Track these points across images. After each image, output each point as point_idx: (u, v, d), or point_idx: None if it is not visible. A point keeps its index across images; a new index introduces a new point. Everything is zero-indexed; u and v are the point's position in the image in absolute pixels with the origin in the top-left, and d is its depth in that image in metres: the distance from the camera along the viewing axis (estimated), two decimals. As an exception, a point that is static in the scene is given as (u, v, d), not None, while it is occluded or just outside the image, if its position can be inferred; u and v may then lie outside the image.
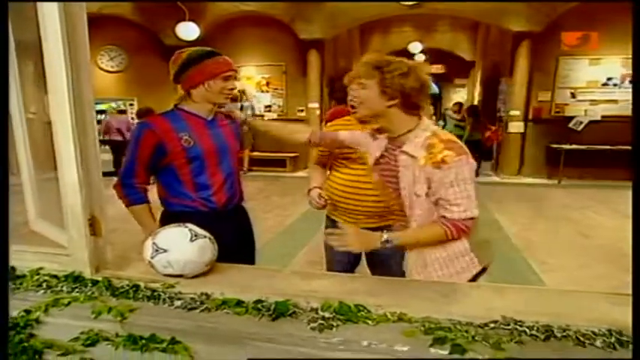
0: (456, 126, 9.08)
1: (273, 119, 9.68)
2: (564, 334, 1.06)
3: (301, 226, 5.34)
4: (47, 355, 1.24)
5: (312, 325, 1.12)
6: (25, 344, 1.24)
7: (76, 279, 1.39)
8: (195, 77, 1.78)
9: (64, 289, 1.34)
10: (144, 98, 9.73)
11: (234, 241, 1.85)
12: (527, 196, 7.32)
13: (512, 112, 8.69)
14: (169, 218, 1.74)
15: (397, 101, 1.51)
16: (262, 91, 9.90)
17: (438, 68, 15.24)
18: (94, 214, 1.43)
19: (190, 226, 1.45)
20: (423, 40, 13.21)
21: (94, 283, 1.37)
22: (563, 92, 8.46)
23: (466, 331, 1.08)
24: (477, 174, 9.63)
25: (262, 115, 9.84)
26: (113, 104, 9.41)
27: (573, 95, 8.44)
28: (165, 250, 1.38)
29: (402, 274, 1.83)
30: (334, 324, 1.12)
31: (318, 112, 9.58)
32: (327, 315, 1.15)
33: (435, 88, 18.04)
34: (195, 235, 1.41)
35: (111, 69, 10.42)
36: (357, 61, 1.61)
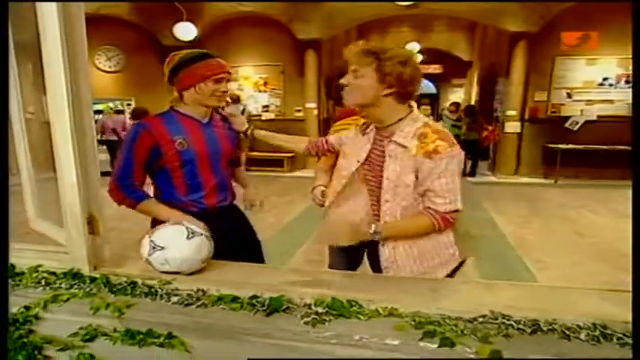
0: (453, 126, 9.11)
1: (271, 119, 9.72)
2: (550, 327, 1.09)
3: (299, 226, 5.36)
4: (46, 351, 1.27)
5: (306, 319, 1.15)
6: (25, 340, 1.26)
7: (75, 276, 1.41)
8: (187, 80, 1.78)
9: (63, 285, 1.37)
10: (141, 98, 9.76)
11: (230, 239, 1.85)
12: (523, 196, 7.36)
13: (509, 112, 8.75)
14: (157, 222, 1.72)
15: (394, 90, 1.48)
16: (260, 91, 9.92)
17: (435, 68, 15.31)
18: (92, 212, 1.45)
19: (187, 223, 1.47)
20: (421, 41, 13.27)
21: (92, 280, 1.39)
22: (560, 92, 8.52)
23: (455, 325, 1.10)
24: (474, 174, 9.69)
25: (260, 115, 9.86)
26: (111, 104, 9.43)
27: (569, 95, 8.50)
28: (162, 248, 1.40)
29: None
30: (327, 319, 1.15)
31: (315, 112, 9.62)
32: (320, 310, 1.17)
33: (432, 88, 18.11)
34: (192, 233, 1.44)
35: (108, 69, 10.44)
36: (348, 50, 1.55)
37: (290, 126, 9.12)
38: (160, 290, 1.31)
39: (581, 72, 8.37)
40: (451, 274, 1.65)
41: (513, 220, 5.75)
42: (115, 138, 8.58)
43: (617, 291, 1.28)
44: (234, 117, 2.09)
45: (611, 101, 8.31)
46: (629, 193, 1.12)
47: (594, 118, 8.41)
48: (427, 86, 18.10)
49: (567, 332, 1.07)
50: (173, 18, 9.15)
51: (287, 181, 8.64)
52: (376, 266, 2.22)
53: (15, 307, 1.29)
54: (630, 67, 8.02)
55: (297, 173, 9.52)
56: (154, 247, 1.41)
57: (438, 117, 13.01)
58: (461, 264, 1.66)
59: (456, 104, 10.14)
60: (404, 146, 1.49)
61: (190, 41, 9.16)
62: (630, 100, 8.09)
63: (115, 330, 1.22)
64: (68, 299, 1.30)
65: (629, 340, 1.03)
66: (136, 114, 8.52)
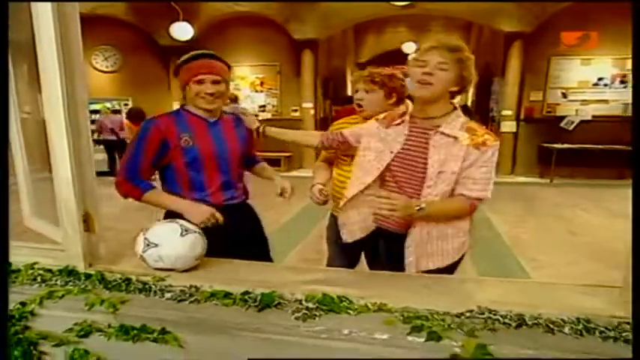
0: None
1: (268, 119, 9.73)
2: (535, 321, 1.12)
3: (296, 226, 5.38)
4: (42, 346, 1.29)
5: (297, 315, 1.17)
6: (21, 336, 1.29)
7: (70, 273, 1.43)
8: (180, 80, 1.84)
9: (58, 282, 1.39)
10: (138, 98, 9.76)
11: (235, 237, 1.86)
12: (519, 195, 7.38)
13: (505, 112, 8.78)
14: (170, 214, 1.77)
15: (459, 88, 1.61)
16: (256, 91, 9.94)
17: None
18: (88, 210, 1.47)
19: (181, 221, 1.49)
20: (418, 40, 13.27)
21: (88, 276, 1.41)
22: (555, 92, 8.56)
23: (442, 320, 1.13)
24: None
25: (257, 115, 9.87)
26: (108, 104, 9.41)
27: (564, 95, 8.54)
28: (156, 245, 1.42)
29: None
30: (317, 314, 1.17)
31: (312, 111, 9.64)
32: (310, 305, 1.20)
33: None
34: (186, 230, 1.46)
35: (105, 69, 10.43)
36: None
37: (287, 126, 8.94)
38: (153, 286, 1.33)
39: (576, 72, 8.41)
40: (457, 262, 1.72)
41: (509, 220, 5.78)
42: (113, 138, 8.58)
43: (600, 286, 1.31)
44: (244, 115, 2.12)
45: (605, 101, 8.36)
46: (623, 192, 1.15)
47: (589, 117, 8.46)
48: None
49: (551, 326, 1.10)
50: (169, 18, 9.14)
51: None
52: (377, 264, 2.24)
53: (11, 303, 1.31)
54: (625, 67, 8.09)
55: (294, 173, 9.53)
56: (148, 244, 1.43)
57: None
58: (462, 256, 1.74)
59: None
60: (454, 137, 1.59)
61: (187, 41, 9.16)
62: (625, 100, 8.17)
63: (109, 326, 1.24)
64: (63, 296, 1.32)
65: (612, 334, 1.06)
66: (132, 114, 8.55)
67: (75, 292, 1.33)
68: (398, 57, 13.85)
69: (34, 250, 1.57)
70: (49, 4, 1.28)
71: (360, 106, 2.09)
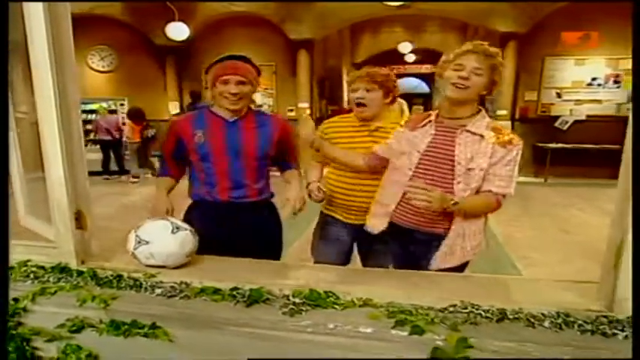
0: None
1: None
2: (516, 316, 1.15)
3: (291, 224, 5.39)
4: (35, 342, 1.31)
5: (284, 310, 1.20)
6: (14, 332, 1.31)
7: (62, 270, 1.45)
8: (208, 80, 1.93)
9: (51, 279, 1.40)
10: (134, 98, 9.75)
11: (237, 235, 1.91)
12: (514, 194, 7.41)
13: (500, 112, 8.81)
14: (191, 206, 2.03)
15: (488, 92, 1.70)
16: (253, 91, 9.94)
17: (428, 68, 15.37)
18: (80, 208, 1.49)
19: (172, 219, 1.52)
20: (413, 40, 13.32)
21: (80, 273, 1.43)
22: (549, 92, 8.62)
23: (426, 315, 1.16)
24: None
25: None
26: (104, 104, 9.41)
27: (559, 95, 8.60)
28: (147, 242, 1.44)
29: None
30: (304, 309, 1.20)
31: (308, 111, 9.65)
32: (297, 301, 1.22)
33: (425, 88, 18.20)
34: (177, 228, 1.48)
35: (102, 69, 10.42)
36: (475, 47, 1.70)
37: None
38: (144, 283, 1.35)
39: (570, 72, 8.46)
40: (468, 261, 1.78)
41: (503, 219, 5.81)
42: (108, 138, 8.60)
43: (580, 282, 1.35)
44: (300, 126, 2.12)
45: (599, 101, 8.41)
46: (616, 191, 1.18)
47: (583, 117, 8.52)
48: (420, 86, 18.21)
49: (532, 320, 1.13)
50: (165, 18, 9.14)
51: (281, 181, 8.62)
52: (372, 260, 2.26)
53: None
54: (618, 67, 8.14)
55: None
56: (139, 242, 1.45)
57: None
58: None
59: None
60: (480, 135, 1.66)
61: (183, 41, 9.18)
62: (618, 100, 8.22)
63: (100, 321, 1.26)
64: (56, 292, 1.34)
65: (589, 327, 1.09)
66: (132, 113, 8.58)
67: (67, 289, 1.35)
68: (394, 57, 13.92)
69: (27, 247, 1.58)
70: (40, 5, 1.29)
71: (361, 105, 2.11)
